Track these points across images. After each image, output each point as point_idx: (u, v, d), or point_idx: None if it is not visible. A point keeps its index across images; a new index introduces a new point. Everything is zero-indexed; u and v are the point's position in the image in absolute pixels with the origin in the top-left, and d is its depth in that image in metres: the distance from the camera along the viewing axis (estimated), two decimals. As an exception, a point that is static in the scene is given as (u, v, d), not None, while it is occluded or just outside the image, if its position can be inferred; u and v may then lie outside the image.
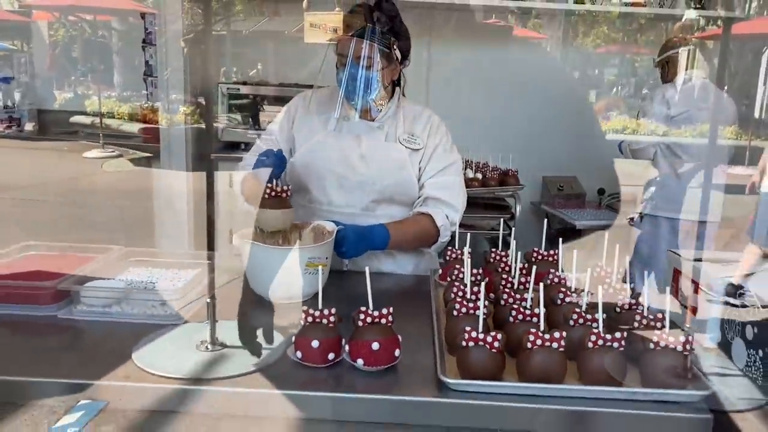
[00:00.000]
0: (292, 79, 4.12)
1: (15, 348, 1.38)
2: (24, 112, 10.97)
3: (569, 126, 3.99)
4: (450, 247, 1.76)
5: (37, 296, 1.47)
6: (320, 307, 1.28)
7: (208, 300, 1.33)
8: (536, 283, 1.37)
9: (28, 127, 10.86)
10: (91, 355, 1.36)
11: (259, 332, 1.45)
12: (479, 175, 3.45)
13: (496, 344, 1.19)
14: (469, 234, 1.67)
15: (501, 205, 3.62)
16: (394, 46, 1.83)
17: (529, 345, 1.18)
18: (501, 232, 1.82)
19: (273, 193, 1.66)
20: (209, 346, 1.32)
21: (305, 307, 1.28)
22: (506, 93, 3.93)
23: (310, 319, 1.27)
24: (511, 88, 3.93)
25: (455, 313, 1.34)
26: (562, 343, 1.19)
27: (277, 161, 1.72)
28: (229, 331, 1.39)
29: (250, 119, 4.05)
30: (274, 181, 1.69)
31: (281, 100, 3.91)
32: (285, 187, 1.69)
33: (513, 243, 1.59)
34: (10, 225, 5.20)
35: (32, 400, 1.34)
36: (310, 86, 1.99)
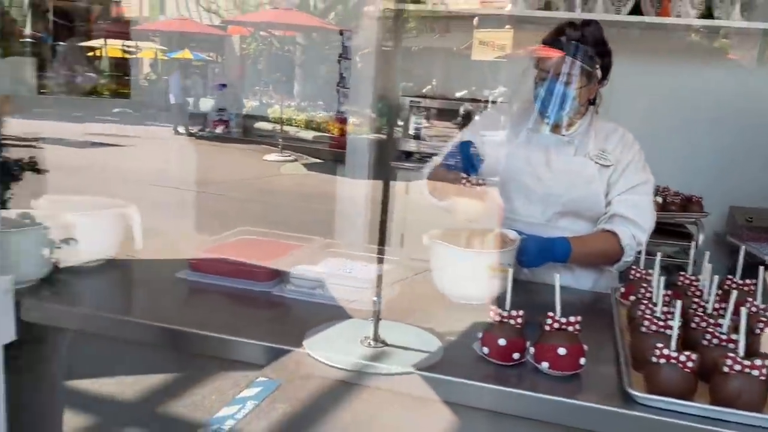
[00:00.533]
0: (456, 93, 4.24)
1: (233, 315, 1.60)
2: (232, 115, 12.30)
3: (764, 154, 3.67)
4: (634, 267, 1.73)
5: (257, 273, 1.69)
6: (508, 307, 1.35)
7: (375, 299, 1.41)
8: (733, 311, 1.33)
9: (219, 130, 12.17)
10: (292, 329, 1.49)
11: (422, 334, 1.48)
12: (659, 199, 3.29)
13: (689, 364, 1.18)
14: (659, 256, 1.63)
15: (681, 232, 3.43)
16: (597, 66, 1.85)
17: (726, 369, 1.16)
18: (691, 259, 1.76)
19: (468, 184, 1.73)
20: (371, 343, 1.39)
21: (494, 307, 1.35)
22: (694, 115, 3.71)
23: (498, 318, 1.34)
24: (699, 111, 3.71)
25: (643, 329, 1.34)
26: (764, 371, 1.15)
27: (471, 157, 1.80)
28: (393, 330, 1.43)
29: (419, 131, 4.26)
30: (470, 175, 1.76)
31: (449, 114, 4.07)
32: (480, 180, 1.74)
33: (709, 267, 1.55)
34: (210, 216, 5.87)
35: (234, 359, 1.52)
36: (478, 101, 2.05)
